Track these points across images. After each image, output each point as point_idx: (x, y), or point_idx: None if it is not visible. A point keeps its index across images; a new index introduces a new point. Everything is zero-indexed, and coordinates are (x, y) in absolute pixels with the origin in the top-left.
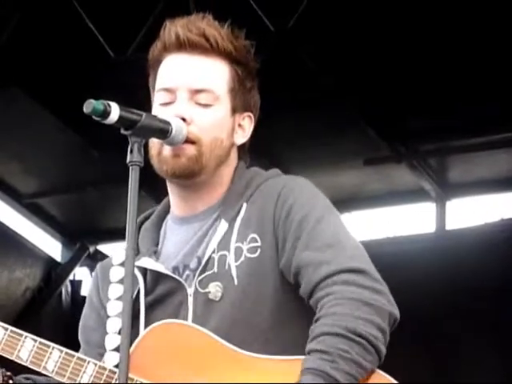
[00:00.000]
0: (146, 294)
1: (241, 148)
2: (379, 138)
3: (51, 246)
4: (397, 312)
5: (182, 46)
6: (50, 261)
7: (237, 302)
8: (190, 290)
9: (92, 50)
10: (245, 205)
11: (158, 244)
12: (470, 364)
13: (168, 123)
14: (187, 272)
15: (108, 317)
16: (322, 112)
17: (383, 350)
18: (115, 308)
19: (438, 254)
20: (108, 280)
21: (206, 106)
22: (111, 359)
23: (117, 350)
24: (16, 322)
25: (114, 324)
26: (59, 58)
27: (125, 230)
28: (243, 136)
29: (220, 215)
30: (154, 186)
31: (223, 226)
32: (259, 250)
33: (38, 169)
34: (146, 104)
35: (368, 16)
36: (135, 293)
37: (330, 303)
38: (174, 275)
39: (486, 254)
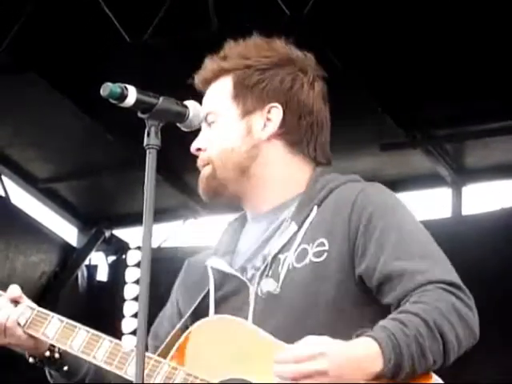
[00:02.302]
0: (216, 292)
1: (295, 142)
2: (395, 124)
3: (67, 231)
4: (478, 335)
5: (201, 85)
6: (66, 246)
7: (295, 303)
8: (252, 289)
9: (108, 35)
10: (315, 208)
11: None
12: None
13: (185, 106)
14: (253, 271)
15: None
16: (339, 99)
17: (450, 360)
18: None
19: (453, 240)
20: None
21: (211, 124)
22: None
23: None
24: None
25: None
26: (75, 42)
27: (141, 214)
28: (273, 127)
29: (291, 217)
30: (170, 171)
31: (292, 227)
32: (325, 254)
33: (54, 154)
34: (162, 88)
35: (385, 3)
36: (205, 290)
37: (426, 297)
38: (237, 274)
39: (502, 240)
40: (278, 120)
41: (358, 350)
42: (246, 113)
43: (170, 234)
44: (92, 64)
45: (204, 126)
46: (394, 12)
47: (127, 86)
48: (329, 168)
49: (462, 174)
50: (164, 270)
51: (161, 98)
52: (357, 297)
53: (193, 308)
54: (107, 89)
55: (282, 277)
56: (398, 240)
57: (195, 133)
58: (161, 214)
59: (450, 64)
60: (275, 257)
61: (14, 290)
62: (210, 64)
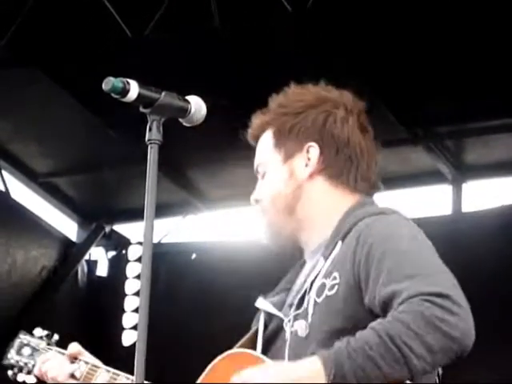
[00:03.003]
0: (264, 331)
1: (336, 175)
2: (396, 121)
3: (67, 226)
4: (467, 340)
5: (253, 141)
6: (66, 241)
7: (319, 339)
8: (288, 329)
9: (110, 30)
10: (340, 243)
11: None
12: (481, 345)
13: (187, 101)
14: (291, 309)
15: None
16: None
17: (417, 365)
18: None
19: (454, 237)
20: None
21: (262, 176)
22: None
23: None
24: (32, 302)
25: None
26: (77, 38)
27: (141, 210)
28: (312, 165)
29: (322, 253)
30: (170, 166)
31: (320, 263)
32: (336, 287)
33: (55, 149)
34: (163, 83)
35: (387, 0)
36: (255, 329)
37: (396, 312)
38: (276, 313)
39: (502, 237)
40: (316, 158)
41: (300, 369)
42: (287, 157)
43: (170, 230)
44: (93, 59)
45: (259, 178)
46: (396, 9)
47: (129, 80)
48: (366, 199)
49: (463, 171)
50: (164, 265)
51: (163, 93)
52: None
53: (238, 344)
54: (109, 83)
55: (309, 315)
56: (392, 265)
57: (196, 128)
58: (161, 210)
59: (451, 61)
60: (305, 293)
61: (73, 347)
62: (254, 120)
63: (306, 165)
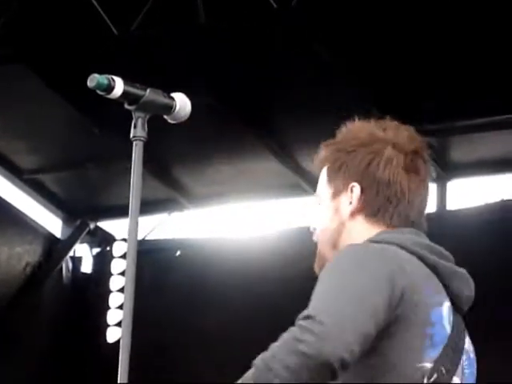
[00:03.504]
0: None
1: (374, 214)
2: (383, 119)
3: (52, 223)
4: (327, 356)
5: (318, 173)
6: (51, 237)
7: None
8: None
9: (95, 27)
10: None
11: None
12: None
13: (172, 99)
14: None
15: None
16: (327, 92)
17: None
18: None
19: (438, 234)
20: None
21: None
22: None
23: None
24: (16, 298)
25: None
26: (62, 35)
27: (126, 207)
28: (353, 205)
29: None
30: (155, 163)
31: None
32: None
33: (40, 145)
34: (149, 80)
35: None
36: None
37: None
38: None
39: (486, 235)
40: (357, 197)
41: None
42: (335, 194)
43: (154, 227)
44: (79, 56)
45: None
46: (382, 5)
47: (114, 77)
48: (386, 232)
49: (447, 169)
50: (148, 262)
51: (148, 90)
52: None
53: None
54: (94, 80)
55: None
56: (311, 301)
57: (181, 125)
58: (146, 207)
59: (438, 61)
60: None
61: None
62: (317, 154)
63: (350, 203)
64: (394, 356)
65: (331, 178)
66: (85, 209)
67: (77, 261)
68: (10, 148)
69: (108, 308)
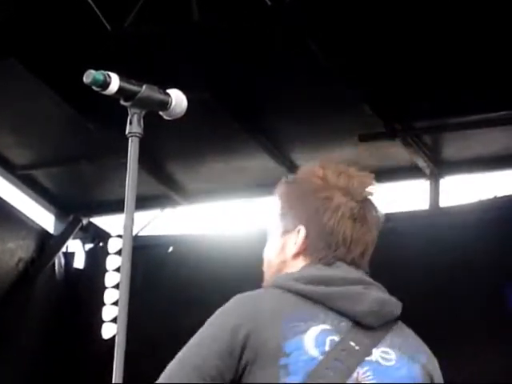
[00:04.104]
0: None
1: (312, 258)
2: (374, 115)
3: (44, 218)
4: None
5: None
6: (43, 233)
7: None
8: None
9: (89, 23)
10: None
11: None
12: (466, 338)
13: (168, 95)
14: None
15: None
16: (319, 89)
17: None
18: None
19: (431, 231)
20: None
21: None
22: None
23: None
24: (9, 293)
25: None
26: (56, 30)
27: (119, 203)
28: (297, 247)
29: None
30: (148, 159)
31: None
32: None
33: (33, 141)
34: (142, 76)
35: None
36: None
37: None
38: None
39: (479, 232)
40: (301, 240)
41: None
42: (285, 232)
43: (147, 223)
44: (72, 52)
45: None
46: (376, 3)
47: (110, 73)
48: (303, 269)
49: (441, 166)
50: (141, 258)
51: (144, 86)
52: None
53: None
54: (90, 76)
55: None
56: None
57: (176, 121)
58: (139, 203)
59: (430, 56)
60: None
61: None
62: (279, 184)
63: (295, 243)
64: None
65: (283, 215)
66: (78, 204)
67: (69, 256)
68: (2, 143)
69: (103, 304)
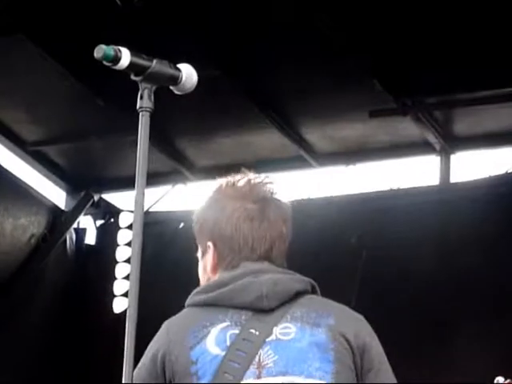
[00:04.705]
0: None
1: (226, 264)
2: (385, 91)
3: (56, 194)
4: None
5: None
6: (55, 209)
7: None
8: None
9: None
10: None
11: None
12: (478, 310)
13: (178, 70)
14: None
15: None
16: (329, 64)
17: None
18: None
19: (441, 207)
20: None
21: None
22: None
23: None
24: (21, 269)
25: None
26: (65, 5)
27: (130, 178)
28: (211, 261)
29: None
30: (159, 135)
31: None
32: None
33: (44, 117)
34: (153, 51)
35: None
36: None
37: None
38: None
39: (489, 208)
40: (212, 254)
41: None
42: (203, 254)
43: (158, 199)
44: (82, 27)
45: None
46: None
47: (121, 48)
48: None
49: (451, 142)
50: (152, 234)
51: (154, 61)
52: None
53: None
54: (101, 51)
55: None
56: None
57: (187, 97)
58: (149, 179)
59: (441, 31)
60: None
61: None
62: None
63: (210, 259)
64: None
65: (198, 239)
66: (89, 180)
67: (81, 232)
68: (13, 120)
69: (114, 278)
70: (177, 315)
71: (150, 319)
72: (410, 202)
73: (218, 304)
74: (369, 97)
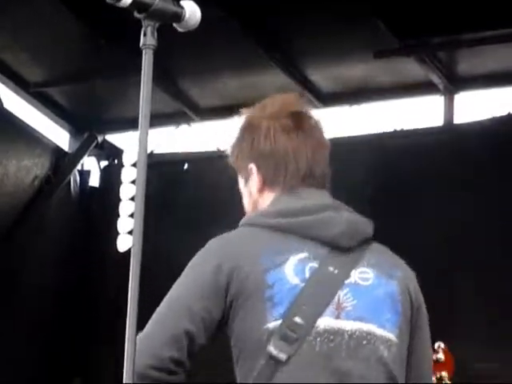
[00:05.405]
0: None
1: (273, 183)
2: (389, 31)
3: (59, 136)
4: (137, 367)
5: None
6: (58, 150)
7: None
8: None
9: None
10: None
11: None
12: (478, 252)
13: (182, 7)
14: None
15: None
16: (333, 5)
17: None
18: None
19: (444, 148)
20: None
21: None
22: None
23: None
24: (25, 211)
25: None
26: None
27: (134, 119)
28: (255, 183)
29: None
30: (163, 76)
31: None
32: None
33: (47, 58)
34: None
35: None
36: None
37: None
38: None
39: (492, 148)
40: (256, 176)
41: None
42: (245, 181)
43: (162, 140)
44: None
45: None
46: None
47: None
48: (270, 204)
49: (455, 82)
50: (156, 175)
51: None
52: None
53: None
54: None
55: None
56: None
57: (191, 36)
58: (153, 120)
59: None
60: None
61: None
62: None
63: (254, 182)
64: (241, 328)
65: (238, 169)
66: (92, 122)
67: (85, 174)
68: (16, 61)
69: (118, 216)
70: (232, 233)
71: (154, 259)
72: (414, 142)
73: (292, 232)
74: (373, 37)
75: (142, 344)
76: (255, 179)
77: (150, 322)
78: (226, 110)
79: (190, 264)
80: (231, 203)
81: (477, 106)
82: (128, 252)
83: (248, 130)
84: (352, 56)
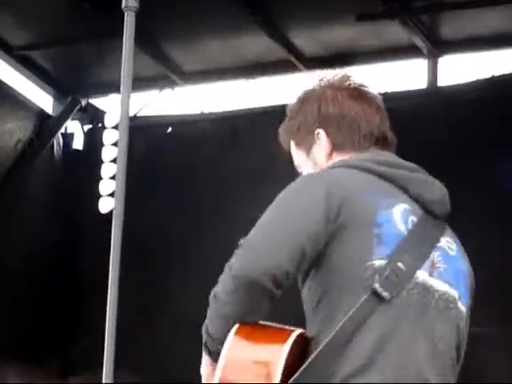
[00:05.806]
0: None
1: (344, 146)
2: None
3: (43, 99)
4: (251, 274)
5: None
6: (42, 113)
7: None
8: None
9: None
10: None
11: None
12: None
13: None
14: None
15: None
16: None
17: (209, 330)
18: None
19: (429, 110)
20: None
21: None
22: None
23: None
24: (8, 174)
25: None
26: None
27: (117, 83)
28: (324, 148)
29: None
30: (146, 39)
31: None
32: None
33: (30, 21)
34: None
35: None
36: None
37: None
38: None
39: (476, 111)
40: (325, 140)
41: None
42: (307, 151)
43: (146, 103)
44: None
45: None
46: None
47: None
48: (349, 155)
49: (439, 45)
50: (139, 138)
51: None
52: None
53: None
54: None
55: None
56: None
57: (173, 0)
58: (137, 83)
59: None
60: None
61: None
62: (279, 136)
63: (321, 147)
64: (341, 258)
65: (297, 142)
66: (76, 85)
67: (68, 137)
68: (0, 24)
69: (100, 179)
70: (339, 171)
71: (139, 221)
72: (398, 105)
73: (393, 182)
74: (357, 0)
75: (261, 249)
76: (324, 144)
77: (264, 230)
78: (209, 74)
79: (292, 190)
80: (213, 165)
81: (460, 69)
82: (110, 213)
83: (310, 99)
84: (336, 19)
